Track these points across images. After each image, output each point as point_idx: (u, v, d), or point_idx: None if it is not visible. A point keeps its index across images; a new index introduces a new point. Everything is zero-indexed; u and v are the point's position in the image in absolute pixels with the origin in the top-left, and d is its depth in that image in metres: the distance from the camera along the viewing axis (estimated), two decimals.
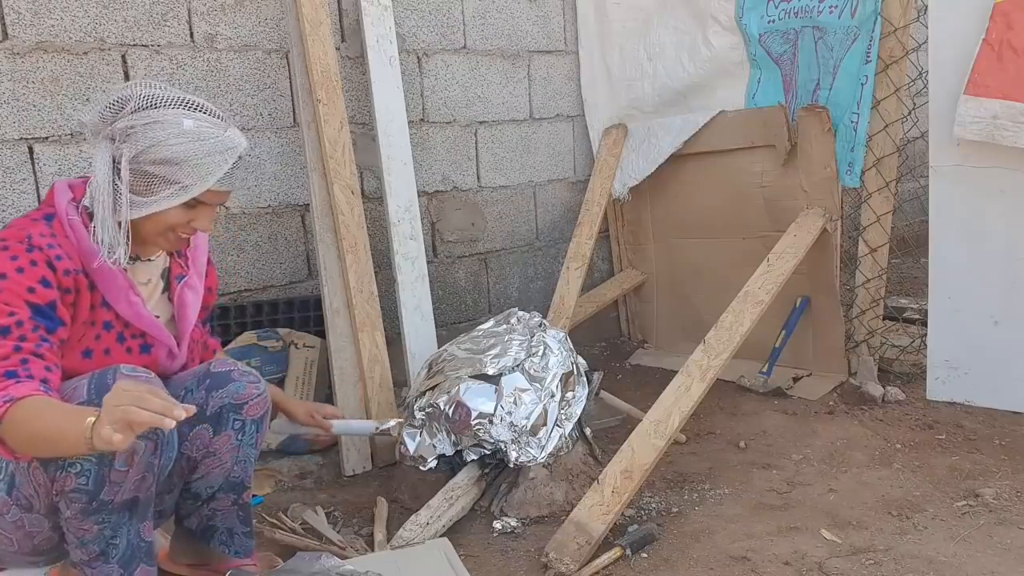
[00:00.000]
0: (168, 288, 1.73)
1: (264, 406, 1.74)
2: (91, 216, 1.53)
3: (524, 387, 2.20)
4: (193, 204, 1.55)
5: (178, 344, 1.72)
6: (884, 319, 3.05)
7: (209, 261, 1.83)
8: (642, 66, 3.44)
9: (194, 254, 1.77)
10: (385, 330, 2.56)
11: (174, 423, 1.26)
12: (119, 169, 1.50)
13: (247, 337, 2.61)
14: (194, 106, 1.54)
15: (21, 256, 1.46)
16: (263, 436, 1.78)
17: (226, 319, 2.64)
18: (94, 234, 1.52)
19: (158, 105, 1.51)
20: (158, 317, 1.67)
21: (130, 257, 1.59)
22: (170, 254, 1.73)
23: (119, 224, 1.51)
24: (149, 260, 1.68)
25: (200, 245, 1.79)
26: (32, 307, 1.45)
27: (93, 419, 1.30)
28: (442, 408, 2.19)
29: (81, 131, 2.38)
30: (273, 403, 1.83)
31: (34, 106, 2.32)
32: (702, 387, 2.25)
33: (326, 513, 2.17)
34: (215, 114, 1.57)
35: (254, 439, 1.74)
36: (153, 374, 1.54)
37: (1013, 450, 2.36)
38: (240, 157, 1.58)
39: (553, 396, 2.22)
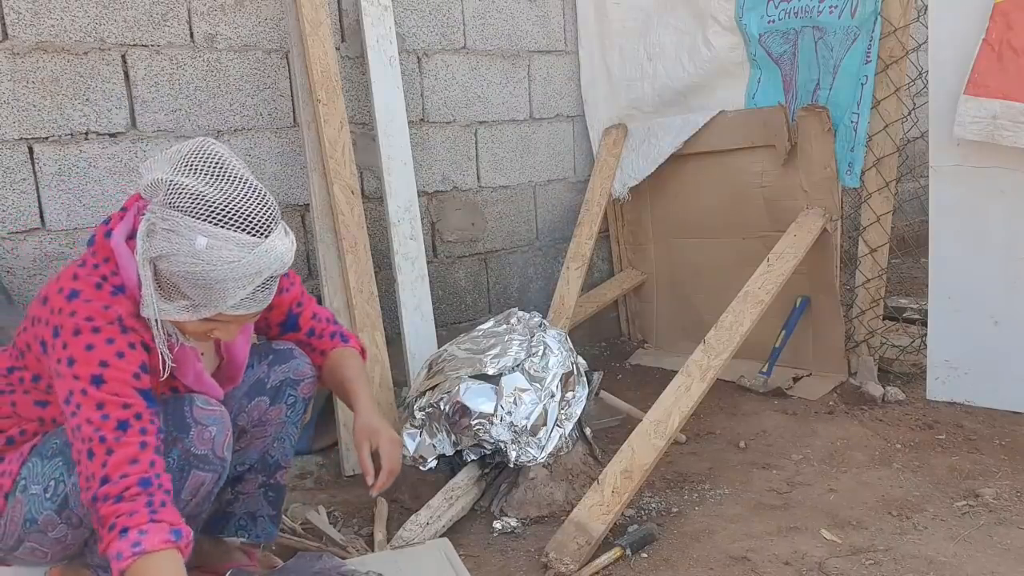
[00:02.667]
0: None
1: (313, 388, 1.77)
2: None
3: (524, 387, 2.20)
4: (210, 318, 1.39)
5: (229, 385, 1.65)
6: (884, 319, 3.05)
7: None
8: (642, 66, 3.44)
9: None
10: (385, 330, 2.56)
11: None
12: (146, 261, 1.37)
13: None
14: (220, 216, 1.31)
15: (118, 339, 1.35)
16: (304, 420, 1.81)
17: None
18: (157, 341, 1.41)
19: (180, 206, 1.31)
20: (203, 353, 1.59)
21: None
22: None
23: (155, 322, 1.39)
24: None
25: None
26: (143, 394, 1.36)
27: None
28: (442, 408, 2.19)
29: (81, 131, 2.39)
30: (344, 391, 1.72)
31: (34, 106, 2.32)
32: (702, 387, 2.25)
33: (327, 513, 2.17)
34: (248, 226, 1.33)
35: (299, 418, 1.77)
36: (225, 412, 1.54)
37: (1013, 450, 2.36)
38: (270, 279, 1.38)
39: (553, 396, 2.22)
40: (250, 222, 1.33)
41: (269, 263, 1.35)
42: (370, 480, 1.62)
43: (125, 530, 1.28)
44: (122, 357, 1.35)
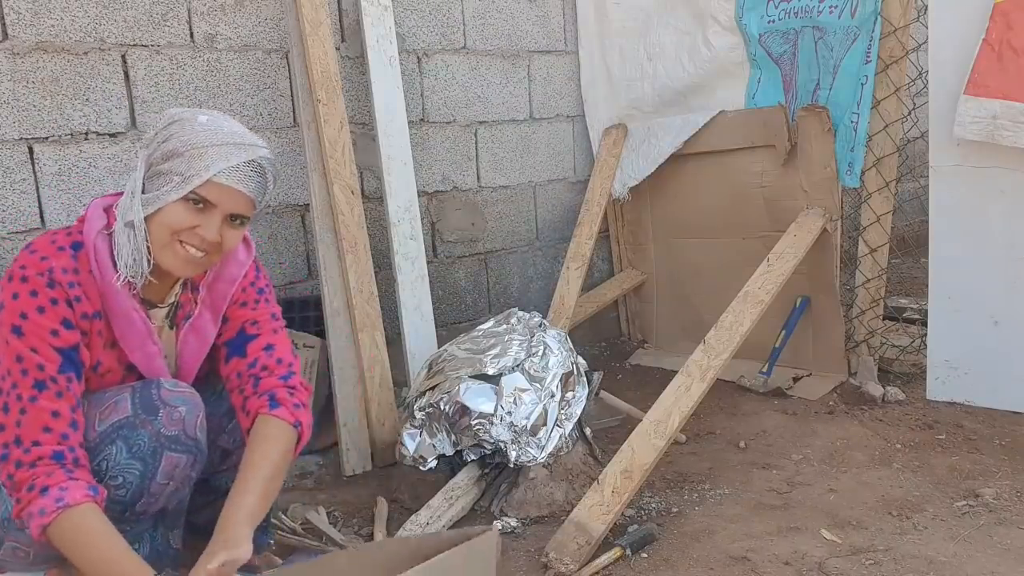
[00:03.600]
0: (176, 326, 1.61)
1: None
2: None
3: (524, 387, 2.20)
4: (198, 202, 1.42)
5: None
6: (884, 319, 3.05)
7: (258, 269, 1.69)
8: (642, 66, 3.44)
9: (212, 283, 1.61)
10: (385, 330, 2.56)
11: None
12: (139, 178, 1.45)
13: None
14: (218, 112, 1.51)
15: (41, 293, 1.39)
16: None
17: None
18: (117, 253, 1.45)
19: (184, 112, 1.48)
20: (166, 357, 1.59)
21: (142, 300, 1.52)
22: (183, 286, 1.60)
23: (132, 227, 1.43)
24: (158, 307, 1.58)
25: (225, 275, 1.61)
26: (60, 353, 1.40)
27: None
28: (442, 408, 2.19)
29: (81, 131, 2.39)
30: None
31: (34, 106, 2.32)
32: (702, 387, 2.25)
33: (327, 513, 2.17)
34: (238, 122, 1.51)
35: None
36: (195, 393, 1.53)
37: (1013, 450, 2.36)
38: (258, 164, 1.46)
39: (553, 396, 2.22)
40: (236, 121, 1.51)
41: (255, 143, 1.47)
42: None
43: (45, 488, 1.33)
44: (42, 312, 1.39)
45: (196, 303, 1.60)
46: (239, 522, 1.41)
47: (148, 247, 1.45)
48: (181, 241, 1.45)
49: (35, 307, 1.38)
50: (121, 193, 1.52)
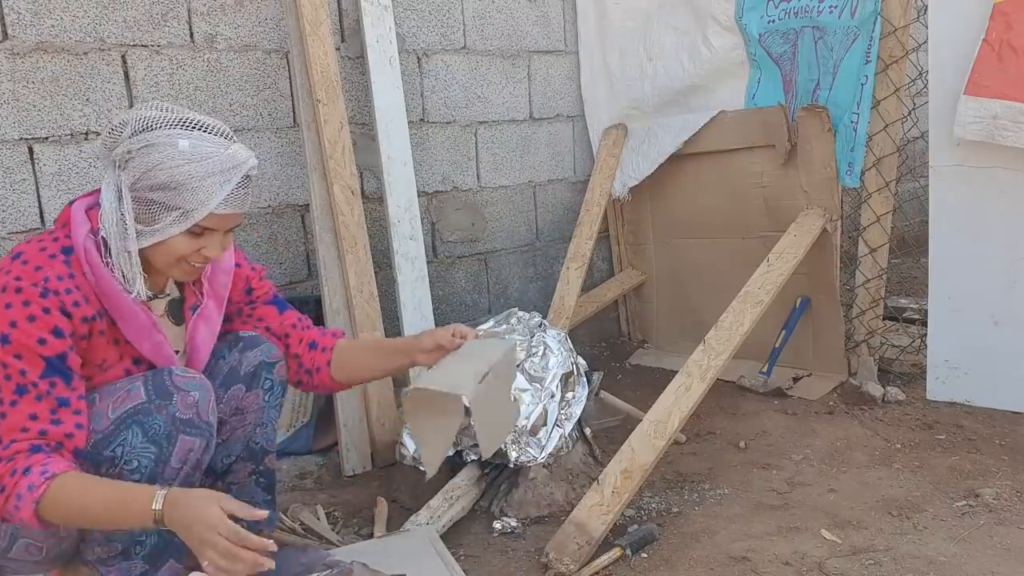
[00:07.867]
0: (183, 320, 1.67)
1: (286, 371, 1.81)
2: (108, 247, 1.48)
3: (524, 387, 2.20)
4: (199, 231, 1.48)
5: None
6: (884, 319, 3.05)
7: (240, 263, 1.77)
8: (642, 66, 3.44)
9: (212, 276, 1.68)
10: (385, 330, 2.56)
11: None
12: (122, 197, 1.45)
13: None
14: (192, 124, 1.45)
15: (34, 303, 1.40)
16: (282, 403, 1.83)
17: None
18: (116, 268, 1.48)
19: (154, 127, 1.43)
20: (177, 352, 1.63)
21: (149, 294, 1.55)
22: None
23: (128, 254, 1.47)
24: (158, 298, 1.62)
25: (221, 266, 1.69)
26: (44, 360, 1.41)
27: (163, 494, 1.32)
28: None
29: (81, 131, 2.39)
30: (388, 346, 1.88)
31: (34, 106, 2.32)
32: (702, 387, 2.25)
33: (326, 513, 2.17)
34: (217, 131, 1.48)
35: (278, 401, 1.79)
36: (205, 378, 1.56)
37: (1013, 450, 2.36)
38: (248, 177, 1.49)
39: (553, 396, 2.22)
40: (214, 130, 1.47)
41: (244, 158, 1.48)
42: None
43: (28, 468, 1.36)
44: (32, 321, 1.40)
45: (202, 295, 1.68)
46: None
47: (142, 271, 1.50)
48: (185, 259, 1.52)
49: (26, 316, 1.40)
50: (95, 192, 1.53)
